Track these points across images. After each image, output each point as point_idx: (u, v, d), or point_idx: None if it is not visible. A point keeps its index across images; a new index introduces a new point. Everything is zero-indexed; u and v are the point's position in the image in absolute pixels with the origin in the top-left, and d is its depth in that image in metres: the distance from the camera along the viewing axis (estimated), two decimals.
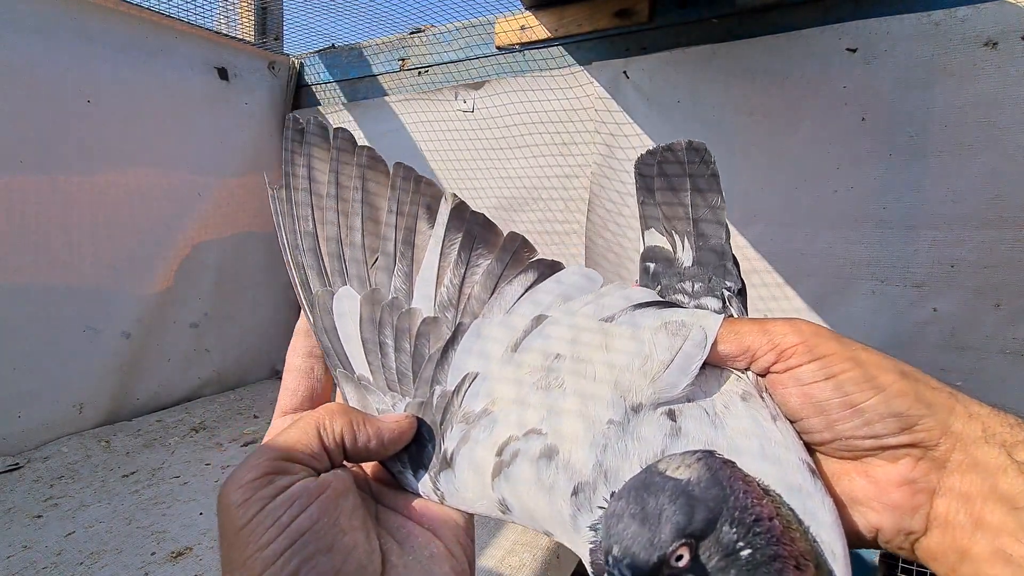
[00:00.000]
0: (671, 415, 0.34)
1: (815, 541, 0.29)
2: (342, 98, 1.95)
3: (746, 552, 0.27)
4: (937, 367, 1.18)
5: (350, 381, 0.39)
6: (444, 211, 0.43)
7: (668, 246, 0.48)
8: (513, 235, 0.43)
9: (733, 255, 0.50)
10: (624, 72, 1.40)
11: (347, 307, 0.41)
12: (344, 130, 0.47)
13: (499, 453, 0.34)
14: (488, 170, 1.65)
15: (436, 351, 0.38)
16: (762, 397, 0.34)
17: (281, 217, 0.47)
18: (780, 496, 0.30)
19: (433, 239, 0.42)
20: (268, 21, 1.96)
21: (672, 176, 0.50)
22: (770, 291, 1.31)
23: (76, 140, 1.49)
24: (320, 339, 0.41)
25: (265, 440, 0.34)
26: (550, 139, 1.53)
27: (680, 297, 0.45)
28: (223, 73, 1.83)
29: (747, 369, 0.35)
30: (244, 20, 1.92)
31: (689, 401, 0.35)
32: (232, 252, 1.91)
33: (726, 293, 0.46)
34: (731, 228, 0.55)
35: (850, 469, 0.33)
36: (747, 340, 0.34)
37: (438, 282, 0.41)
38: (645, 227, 0.52)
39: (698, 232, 0.50)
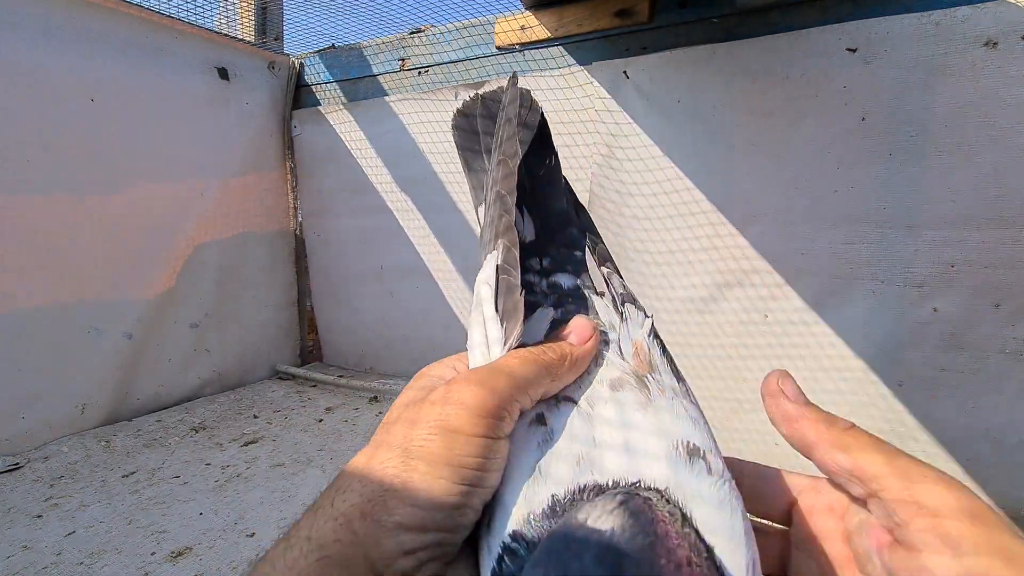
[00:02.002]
0: (540, 419, 0.32)
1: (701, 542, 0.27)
2: (342, 98, 1.95)
3: None
4: (937, 367, 1.18)
5: None
6: None
7: None
8: None
9: (580, 216, 0.43)
10: (624, 72, 1.40)
11: None
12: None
13: None
14: None
15: None
16: (643, 381, 0.32)
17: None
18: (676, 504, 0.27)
19: None
20: (268, 21, 1.96)
21: (496, 133, 0.41)
22: (770, 291, 1.31)
23: (78, 141, 1.49)
24: None
25: (502, 365, 0.32)
26: None
27: (530, 277, 0.40)
28: (223, 73, 1.83)
29: (863, 498, 0.28)
30: (244, 20, 1.92)
31: (562, 399, 0.33)
32: (232, 252, 1.91)
33: (588, 262, 0.41)
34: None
35: None
36: (870, 473, 0.27)
37: None
38: (477, 202, 0.46)
39: (535, 199, 0.42)
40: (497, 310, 0.35)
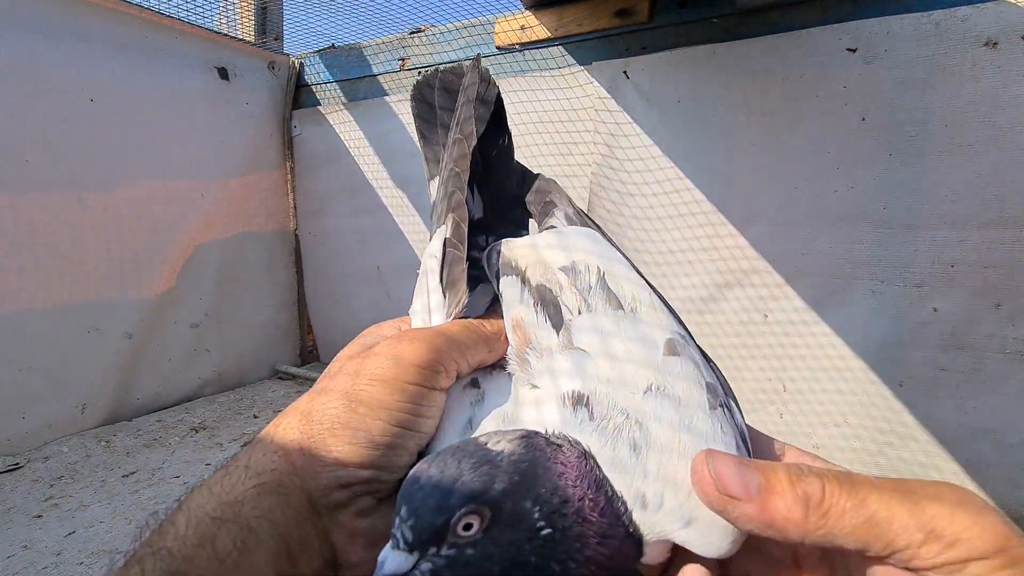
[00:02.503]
0: (475, 383, 0.35)
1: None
2: (342, 98, 1.95)
3: (546, 531, 0.26)
4: (937, 367, 1.18)
5: None
6: None
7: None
8: None
9: (525, 200, 0.46)
10: (624, 72, 1.40)
11: None
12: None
13: None
14: None
15: None
16: (523, 357, 0.34)
17: None
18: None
19: None
20: (268, 21, 1.96)
21: (453, 109, 0.42)
22: (770, 291, 1.31)
23: (78, 140, 1.49)
24: None
25: (444, 328, 0.35)
26: (550, 139, 1.53)
27: (476, 253, 0.41)
28: (223, 73, 1.83)
29: (873, 561, 0.25)
30: (244, 20, 1.92)
31: (497, 368, 0.35)
32: (232, 252, 1.91)
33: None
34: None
35: None
36: (884, 527, 0.23)
37: None
38: (429, 176, 0.47)
39: (486, 179, 0.43)
40: (441, 281, 0.37)
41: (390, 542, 0.25)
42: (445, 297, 0.37)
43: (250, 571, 0.26)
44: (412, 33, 1.78)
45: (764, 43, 1.24)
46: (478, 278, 0.40)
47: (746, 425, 0.33)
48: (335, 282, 2.10)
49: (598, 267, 0.37)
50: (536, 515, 0.26)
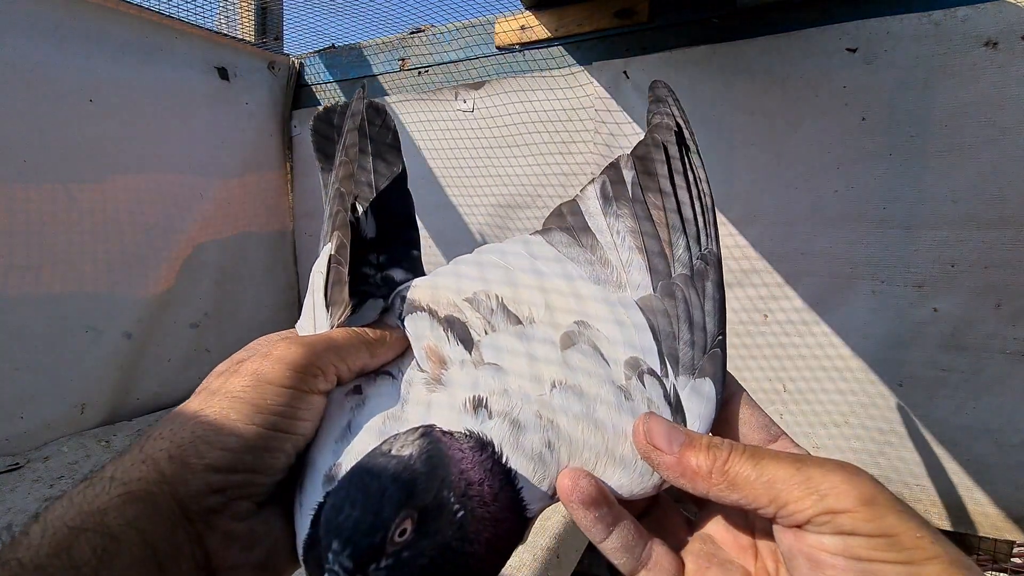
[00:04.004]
0: (357, 389, 0.36)
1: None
2: (342, 98, 1.95)
3: (460, 513, 0.28)
4: (937, 367, 1.18)
5: None
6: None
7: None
8: None
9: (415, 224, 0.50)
10: (624, 72, 1.40)
11: None
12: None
13: None
14: (488, 169, 1.65)
15: None
16: (439, 380, 0.36)
17: None
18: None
19: None
20: (268, 21, 1.96)
21: (341, 137, 0.47)
22: (770, 291, 1.31)
23: (77, 140, 1.49)
24: None
25: (325, 333, 0.36)
26: (550, 139, 1.53)
27: (367, 270, 0.44)
28: (223, 73, 1.83)
29: (773, 521, 0.29)
30: (244, 20, 1.92)
31: (381, 373, 0.37)
32: (232, 252, 1.91)
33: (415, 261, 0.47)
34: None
35: None
36: (777, 487, 0.28)
37: None
38: (325, 198, 0.50)
39: (379, 202, 0.47)
40: (326, 297, 0.39)
41: None
42: (328, 313, 0.38)
43: None
44: (412, 33, 1.78)
45: (764, 43, 1.24)
46: (368, 294, 0.41)
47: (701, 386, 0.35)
48: None
49: (497, 295, 0.39)
50: (452, 500, 0.29)
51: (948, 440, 1.20)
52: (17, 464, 1.37)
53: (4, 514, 1.16)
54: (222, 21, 1.87)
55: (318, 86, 2.00)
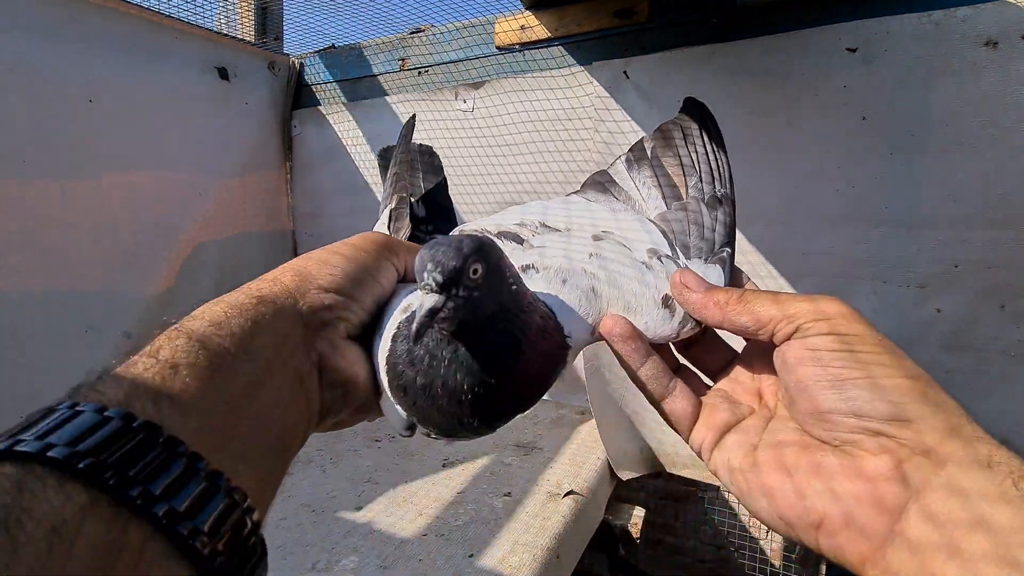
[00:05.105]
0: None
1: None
2: (342, 98, 1.95)
3: (514, 287, 0.38)
4: (940, 368, 1.18)
5: None
6: None
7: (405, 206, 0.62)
8: None
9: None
10: (624, 72, 1.40)
11: None
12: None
13: None
14: (488, 168, 1.65)
15: None
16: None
17: None
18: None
19: None
20: (268, 21, 1.96)
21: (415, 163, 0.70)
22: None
23: (77, 140, 1.49)
24: None
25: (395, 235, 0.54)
26: (550, 139, 1.53)
27: (419, 233, 0.59)
28: (223, 73, 1.83)
29: (770, 341, 0.39)
30: (244, 20, 1.92)
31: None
32: (232, 252, 1.91)
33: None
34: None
35: (829, 450, 0.34)
36: (762, 313, 0.38)
37: None
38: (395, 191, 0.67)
39: (428, 196, 0.67)
40: (389, 229, 0.55)
41: (422, 290, 0.35)
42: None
43: (254, 347, 0.34)
44: (412, 33, 1.78)
45: (764, 43, 1.24)
46: (420, 239, 0.54)
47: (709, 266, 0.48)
48: None
49: (539, 221, 0.53)
50: (507, 272, 0.38)
51: None
52: None
53: None
54: (222, 21, 1.87)
55: (318, 86, 2.00)
